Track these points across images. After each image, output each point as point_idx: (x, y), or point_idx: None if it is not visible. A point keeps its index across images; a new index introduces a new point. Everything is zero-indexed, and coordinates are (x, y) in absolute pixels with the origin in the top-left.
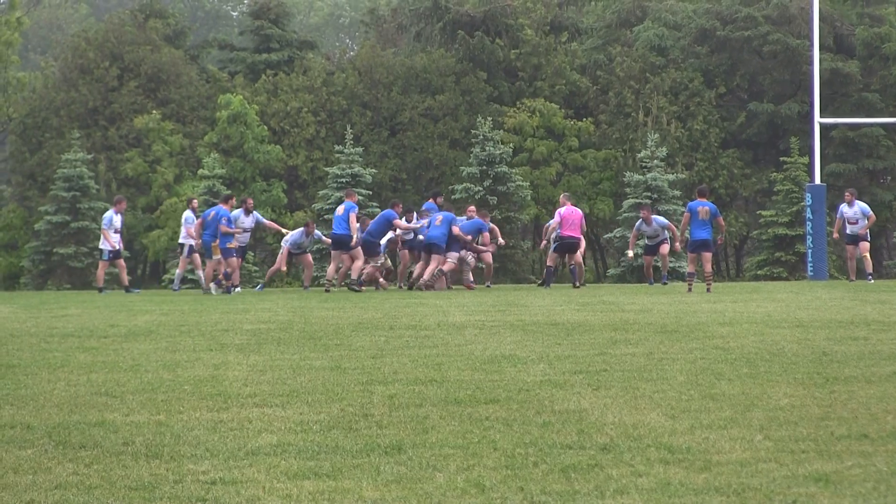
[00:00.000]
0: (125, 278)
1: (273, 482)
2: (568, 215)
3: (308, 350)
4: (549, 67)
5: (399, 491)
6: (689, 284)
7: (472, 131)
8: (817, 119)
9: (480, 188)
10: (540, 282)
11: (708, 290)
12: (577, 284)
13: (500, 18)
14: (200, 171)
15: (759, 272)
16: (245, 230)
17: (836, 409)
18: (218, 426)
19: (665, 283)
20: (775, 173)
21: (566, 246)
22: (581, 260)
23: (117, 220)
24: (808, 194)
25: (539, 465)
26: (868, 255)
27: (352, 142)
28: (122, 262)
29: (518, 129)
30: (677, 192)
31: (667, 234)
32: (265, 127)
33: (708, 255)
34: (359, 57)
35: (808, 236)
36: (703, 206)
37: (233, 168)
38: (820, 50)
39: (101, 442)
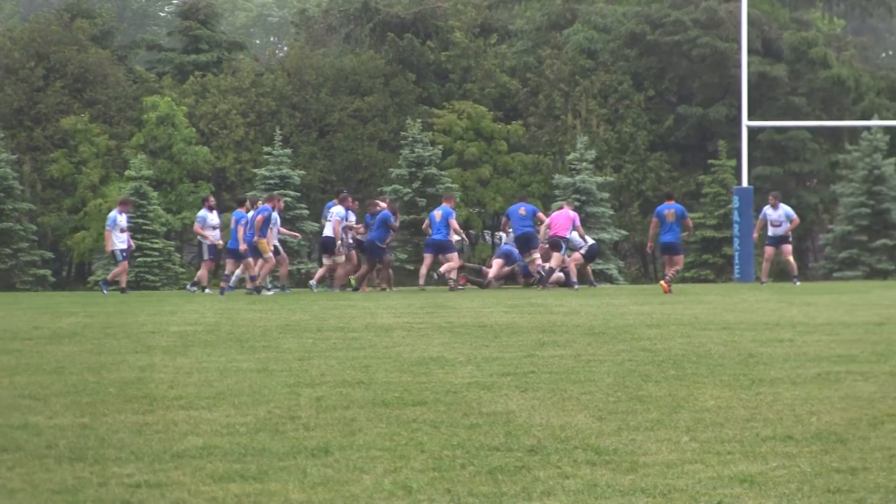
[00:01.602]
0: (124, 280)
1: (199, 485)
2: (556, 217)
3: (235, 352)
4: (478, 70)
5: (326, 493)
6: (668, 281)
7: (402, 133)
8: (745, 122)
9: (409, 190)
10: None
11: (668, 290)
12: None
13: (430, 20)
14: (127, 173)
15: (686, 274)
16: (215, 227)
17: (762, 410)
18: (143, 429)
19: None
20: (703, 176)
21: (550, 244)
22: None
23: (122, 220)
24: (736, 197)
25: (466, 467)
26: (791, 257)
27: (280, 143)
28: (125, 263)
29: (447, 131)
30: (606, 195)
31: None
32: (193, 129)
33: (678, 258)
34: (288, 58)
35: (735, 239)
36: (670, 209)
37: (160, 169)
38: (748, 53)
39: (23, 445)
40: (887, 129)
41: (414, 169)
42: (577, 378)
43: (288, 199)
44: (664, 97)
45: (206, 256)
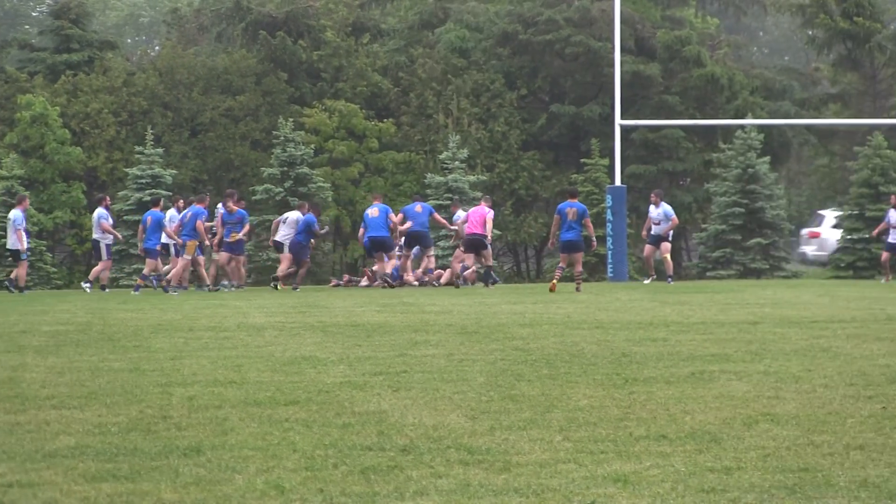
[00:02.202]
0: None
1: (71, 485)
2: (473, 214)
3: (107, 352)
4: (350, 69)
5: (198, 493)
6: (556, 277)
7: (274, 132)
8: (618, 121)
9: (281, 189)
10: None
11: (577, 289)
12: (668, 278)
13: (302, 19)
14: None
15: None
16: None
17: (635, 409)
18: (15, 428)
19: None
20: (576, 175)
21: (471, 243)
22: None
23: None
24: (609, 196)
25: (339, 467)
26: (668, 256)
27: (152, 143)
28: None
29: (317, 130)
30: (478, 194)
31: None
32: (67, 130)
33: (578, 256)
34: (160, 57)
35: (608, 238)
36: (572, 208)
37: (32, 169)
38: (621, 52)
39: None
40: (761, 128)
41: (286, 168)
42: (449, 377)
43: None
44: (537, 96)
45: (105, 256)
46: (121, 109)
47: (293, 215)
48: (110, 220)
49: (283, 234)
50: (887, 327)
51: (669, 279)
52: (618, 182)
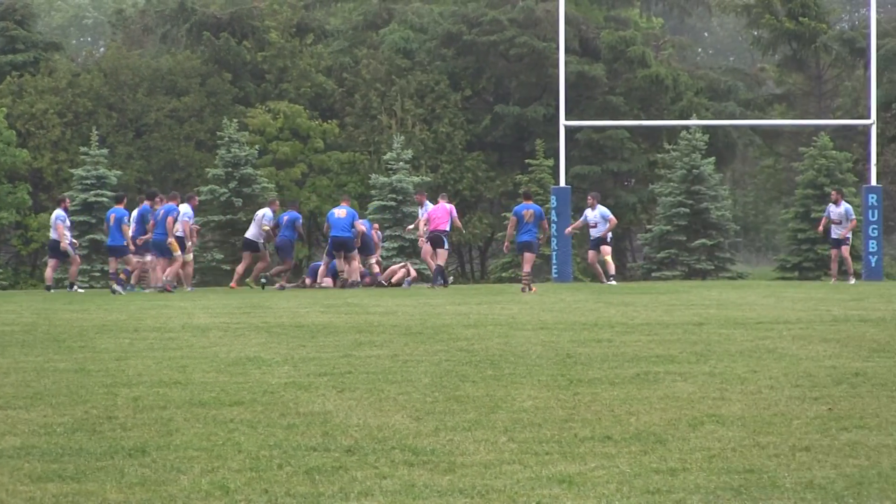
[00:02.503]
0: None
1: (16, 485)
2: (434, 212)
3: (52, 352)
4: (294, 69)
5: (143, 493)
6: (525, 283)
7: (218, 133)
8: (563, 121)
9: (226, 190)
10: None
11: (528, 290)
12: (610, 278)
13: (247, 20)
14: None
15: (503, 274)
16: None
17: (580, 410)
18: None
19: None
20: (520, 175)
21: (431, 240)
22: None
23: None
24: (554, 196)
25: (284, 467)
26: (609, 257)
27: (97, 143)
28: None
29: (261, 130)
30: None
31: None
32: (14, 132)
33: (530, 256)
34: (105, 59)
35: (553, 238)
36: (528, 209)
37: None
38: (566, 53)
39: None
40: (706, 129)
41: (230, 169)
42: (394, 378)
43: (105, 199)
44: (481, 97)
45: (72, 254)
46: (66, 110)
47: (260, 213)
48: (68, 222)
49: (252, 232)
50: (833, 328)
51: (612, 279)
52: (562, 183)
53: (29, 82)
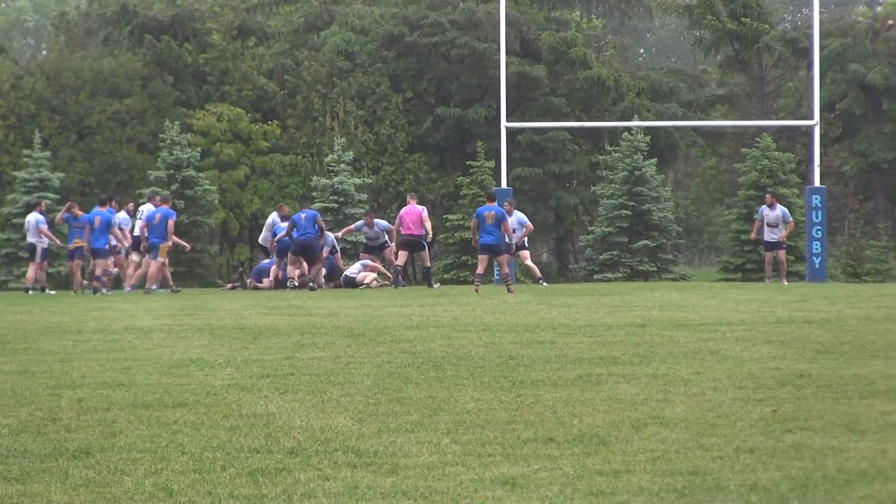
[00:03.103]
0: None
1: None
2: (406, 214)
3: None
4: (236, 72)
5: (87, 495)
6: (476, 285)
7: (160, 135)
8: (504, 123)
9: (169, 192)
10: (394, 283)
11: (508, 290)
12: (539, 280)
13: (188, 23)
14: None
15: (446, 276)
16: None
17: (523, 412)
18: None
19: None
20: (462, 177)
21: (408, 244)
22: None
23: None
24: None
25: (227, 469)
26: (530, 262)
27: (40, 146)
28: (44, 263)
29: (205, 132)
30: (364, 196)
31: (386, 237)
32: None
33: (502, 259)
34: (47, 61)
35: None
36: (490, 211)
37: None
38: (507, 54)
39: None
40: (647, 130)
41: (172, 171)
42: (336, 380)
43: (48, 201)
44: (422, 98)
45: (39, 259)
46: (9, 113)
47: (270, 218)
48: (45, 225)
49: (263, 236)
50: (776, 330)
51: (541, 281)
52: (504, 184)
53: None
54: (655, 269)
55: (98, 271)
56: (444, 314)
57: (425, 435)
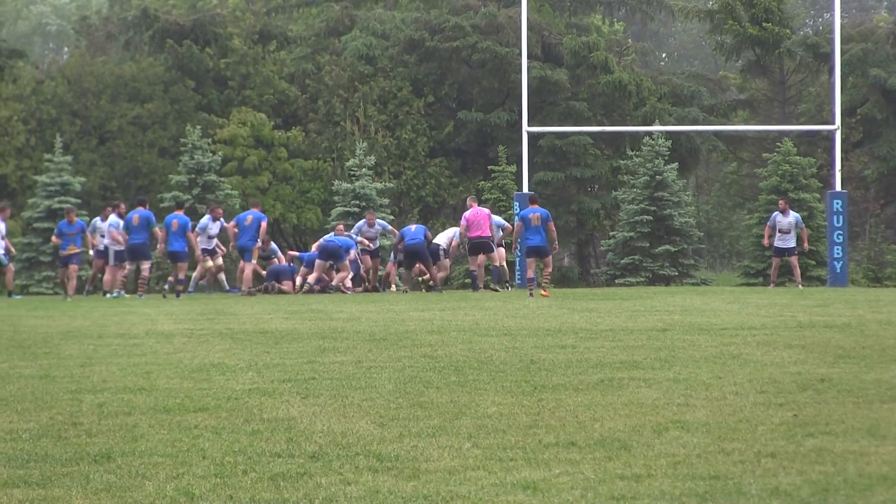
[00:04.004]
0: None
1: None
2: (473, 217)
3: (17, 358)
4: (257, 76)
5: (109, 499)
6: (530, 288)
7: (181, 140)
8: (525, 127)
9: (189, 197)
10: (472, 286)
11: (543, 292)
12: (506, 284)
13: (209, 27)
14: None
15: (466, 280)
16: (211, 237)
17: (544, 416)
18: None
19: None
20: (483, 182)
21: (478, 247)
22: (503, 260)
23: (1, 227)
24: (517, 203)
25: (248, 474)
26: (504, 263)
27: (61, 150)
28: (75, 267)
29: (229, 140)
30: (385, 201)
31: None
32: None
33: (548, 259)
34: (68, 66)
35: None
36: (535, 213)
37: None
38: (528, 59)
39: None
40: (669, 135)
41: (193, 176)
42: (358, 384)
43: (69, 205)
44: (444, 103)
45: (113, 261)
46: (30, 117)
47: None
48: (116, 229)
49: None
50: (797, 334)
51: (508, 286)
52: (525, 189)
53: None
54: (677, 273)
55: (180, 275)
56: (466, 318)
57: (447, 439)
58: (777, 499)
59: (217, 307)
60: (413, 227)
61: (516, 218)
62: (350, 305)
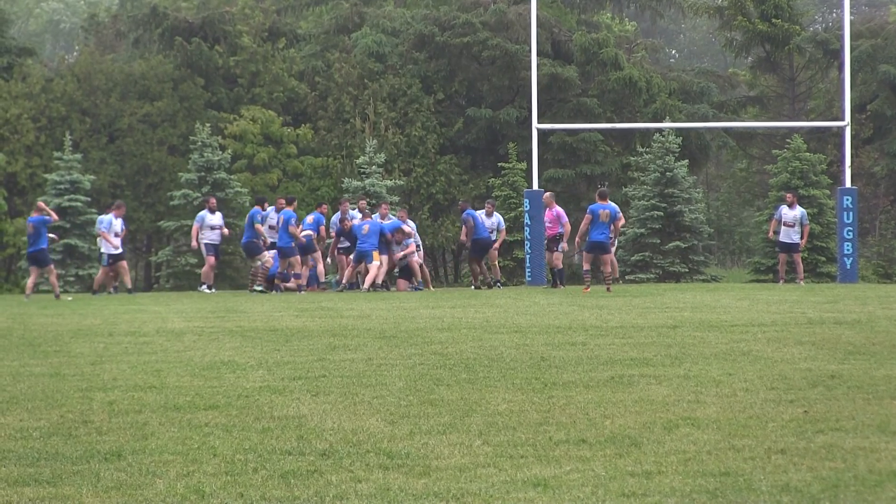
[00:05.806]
0: (129, 280)
1: None
2: (547, 214)
3: (27, 357)
4: (267, 74)
5: (119, 497)
6: (586, 281)
7: (191, 137)
8: (536, 124)
9: (199, 194)
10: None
11: (608, 289)
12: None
13: (219, 25)
14: None
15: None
16: (213, 228)
17: (555, 414)
18: None
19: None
20: (493, 179)
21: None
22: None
23: (117, 224)
24: (527, 200)
25: (259, 471)
26: (496, 263)
27: (71, 148)
28: (124, 263)
29: (240, 136)
30: (396, 198)
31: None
32: None
33: (607, 257)
34: (78, 64)
35: (526, 242)
36: (605, 209)
37: None
38: (538, 55)
39: None
40: (679, 131)
41: (203, 173)
42: (368, 382)
43: (79, 203)
44: (454, 100)
45: (207, 253)
46: (40, 115)
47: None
48: (213, 222)
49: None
50: (808, 331)
51: (498, 284)
52: (535, 186)
53: (2, 87)
54: (687, 270)
55: (283, 268)
56: (476, 316)
57: (457, 437)
58: (787, 495)
59: (227, 305)
60: (483, 216)
61: (588, 211)
62: (360, 303)
